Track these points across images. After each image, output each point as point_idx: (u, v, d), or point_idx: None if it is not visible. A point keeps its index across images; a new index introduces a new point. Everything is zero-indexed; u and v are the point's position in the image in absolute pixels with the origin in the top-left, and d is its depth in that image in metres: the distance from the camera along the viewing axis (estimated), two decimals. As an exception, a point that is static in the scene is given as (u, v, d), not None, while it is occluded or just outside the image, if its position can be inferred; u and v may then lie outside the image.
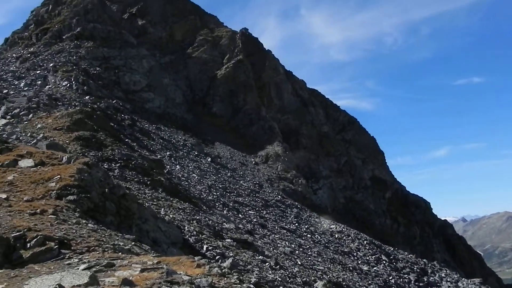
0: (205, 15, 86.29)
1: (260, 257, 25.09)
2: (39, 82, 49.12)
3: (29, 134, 30.10)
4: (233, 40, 77.90)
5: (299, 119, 73.73)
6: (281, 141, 64.76)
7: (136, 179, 28.55)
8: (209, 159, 50.28)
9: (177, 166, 42.05)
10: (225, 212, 34.74)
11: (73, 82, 49.16)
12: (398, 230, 70.98)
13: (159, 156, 40.68)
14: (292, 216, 44.12)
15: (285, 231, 37.73)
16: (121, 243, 12.10)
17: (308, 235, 40.01)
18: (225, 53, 75.93)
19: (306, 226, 42.76)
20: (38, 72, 53.55)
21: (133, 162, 30.74)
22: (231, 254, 22.15)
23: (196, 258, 10.47)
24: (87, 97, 46.11)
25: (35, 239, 10.35)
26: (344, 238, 44.08)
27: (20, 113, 37.02)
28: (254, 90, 71.89)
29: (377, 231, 62.70)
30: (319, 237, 40.85)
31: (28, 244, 10.30)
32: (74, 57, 59.38)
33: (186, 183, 37.81)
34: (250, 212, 38.93)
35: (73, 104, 41.73)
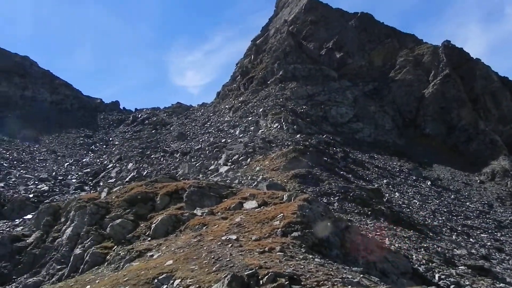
0: (402, 36, 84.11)
1: (501, 284, 22.54)
2: (252, 127, 52.52)
3: (249, 177, 31.99)
4: (436, 55, 74.41)
5: (525, 127, 66.73)
6: (507, 154, 59.05)
7: (356, 211, 28.25)
8: (429, 183, 47.89)
9: (396, 193, 40.76)
10: (454, 237, 32.39)
11: (283, 123, 51.42)
12: None
13: (376, 185, 39.92)
14: (533, 235, 39.38)
15: (527, 253, 33.71)
16: (350, 276, 11.77)
17: (556, 256, 35.18)
18: (430, 70, 72.74)
19: (551, 246, 37.72)
20: (249, 118, 57.39)
21: (351, 194, 30.56)
22: (467, 283, 20.28)
23: (430, 288, 9.70)
24: (298, 136, 47.72)
25: (267, 276, 10.59)
26: None
27: (239, 159, 39.82)
28: (467, 104, 67.27)
29: None
30: None
31: (261, 281, 10.57)
32: (281, 99, 62.34)
33: (408, 209, 36.32)
34: (482, 235, 35.71)
35: (286, 144, 43.45)
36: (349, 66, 76.20)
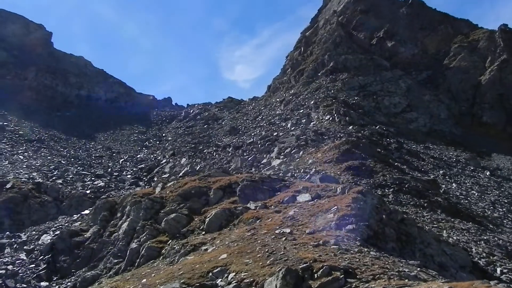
0: (455, 21, 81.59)
1: None
2: (304, 120, 52.24)
3: (302, 170, 31.75)
4: (492, 40, 71.82)
5: None
6: None
7: (412, 202, 27.64)
8: (488, 173, 46.34)
9: (453, 184, 39.65)
10: (516, 229, 31.20)
11: (335, 115, 50.88)
12: None
13: (432, 176, 38.98)
14: None
15: None
16: (406, 270, 11.47)
17: None
18: (486, 56, 70.29)
19: None
20: (301, 111, 57.10)
21: (406, 185, 29.92)
22: (534, 276, 19.45)
23: (491, 282, 9.28)
24: (350, 127, 47.12)
25: (321, 270, 10.49)
26: None
27: (292, 152, 39.66)
28: (528, 90, 64.73)
29: None
30: None
31: (315, 275, 10.45)
32: (332, 91, 61.77)
33: (466, 201, 35.25)
34: (546, 226, 34.23)
35: (338, 136, 42.96)
36: (402, 55, 74.71)
